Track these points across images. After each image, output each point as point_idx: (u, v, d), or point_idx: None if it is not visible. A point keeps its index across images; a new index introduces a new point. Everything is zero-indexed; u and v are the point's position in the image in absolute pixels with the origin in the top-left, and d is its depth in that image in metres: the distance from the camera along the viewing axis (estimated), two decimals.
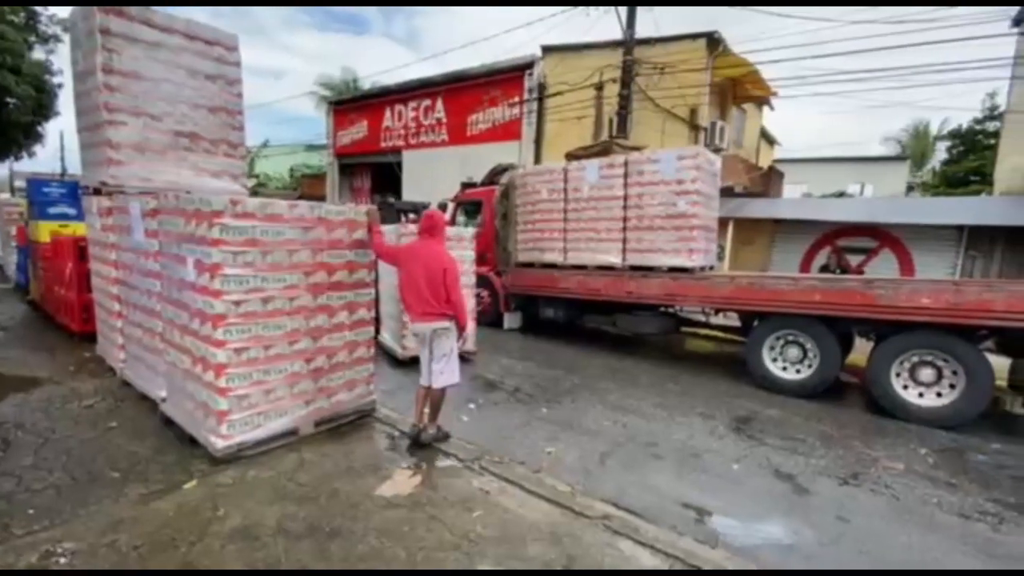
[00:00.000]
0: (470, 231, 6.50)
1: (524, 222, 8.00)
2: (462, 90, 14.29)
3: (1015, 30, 11.13)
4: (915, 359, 4.87)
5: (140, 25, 4.55)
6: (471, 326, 6.08)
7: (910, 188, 22.46)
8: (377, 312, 6.43)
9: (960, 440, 4.45)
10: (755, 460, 3.91)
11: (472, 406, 4.77)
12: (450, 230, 6.02)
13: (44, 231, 7.34)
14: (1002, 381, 5.37)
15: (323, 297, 3.68)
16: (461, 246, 6.21)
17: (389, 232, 5.69)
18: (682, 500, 3.27)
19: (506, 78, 13.33)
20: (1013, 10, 10.88)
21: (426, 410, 3.72)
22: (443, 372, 3.60)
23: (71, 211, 7.68)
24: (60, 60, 18.24)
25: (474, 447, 3.72)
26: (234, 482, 3.04)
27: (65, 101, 18.22)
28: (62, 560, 2.32)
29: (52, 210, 7.68)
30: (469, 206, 9.12)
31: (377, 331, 6.41)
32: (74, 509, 2.72)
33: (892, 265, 9.71)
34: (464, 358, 6.03)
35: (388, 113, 16.44)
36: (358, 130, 17.58)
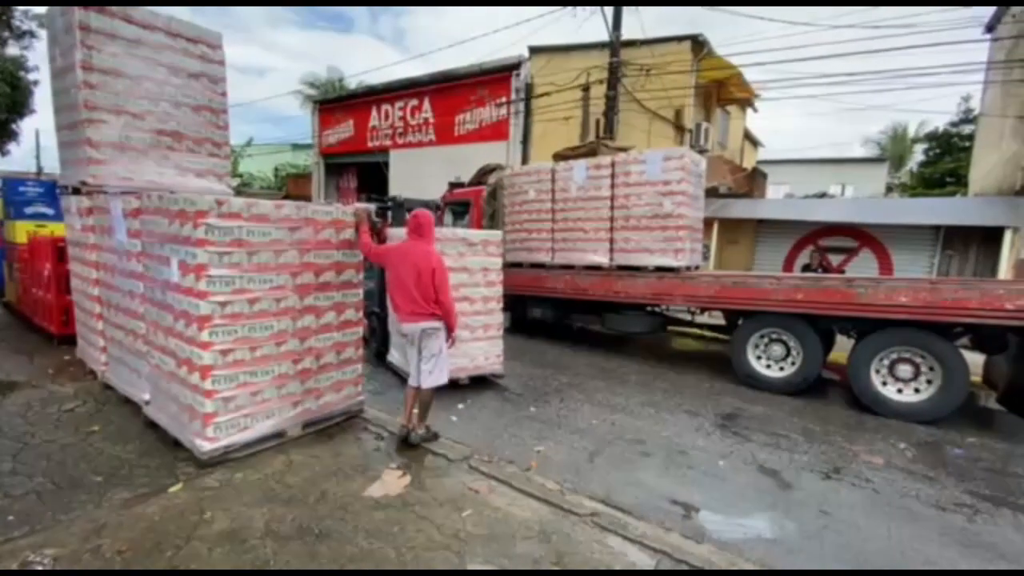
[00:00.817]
0: (497, 234, 5.60)
1: (512, 222, 8.02)
2: (449, 90, 14.25)
3: (987, 36, 11.46)
4: (894, 356, 5.00)
5: (120, 21, 4.46)
6: (499, 345, 5.51)
7: (889, 189, 22.97)
8: (384, 332, 5.85)
9: (937, 434, 4.58)
10: (740, 456, 3.97)
11: (461, 406, 4.77)
12: (475, 233, 5.33)
13: (20, 231, 7.16)
14: (977, 377, 5.53)
15: (310, 298, 3.65)
16: (487, 251, 5.34)
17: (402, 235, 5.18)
18: (669, 496, 3.32)
19: (493, 78, 13.33)
20: (986, 16, 11.20)
21: (415, 410, 3.72)
22: (432, 372, 3.60)
23: (48, 211, 7.48)
24: (35, 56, 17.77)
25: (463, 446, 3.73)
26: (221, 485, 3.00)
27: (41, 98, 17.77)
28: (42, 566, 2.28)
29: (28, 210, 7.47)
30: (457, 206, 9.11)
31: (384, 350, 5.87)
32: (55, 515, 2.67)
33: (872, 264, 9.93)
34: (491, 380, 5.50)
35: (375, 112, 16.33)
36: (344, 129, 17.43)
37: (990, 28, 11.48)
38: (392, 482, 3.15)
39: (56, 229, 6.66)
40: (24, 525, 2.57)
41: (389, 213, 6.74)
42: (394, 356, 5.77)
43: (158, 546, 2.43)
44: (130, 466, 3.22)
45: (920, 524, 3.11)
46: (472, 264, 5.21)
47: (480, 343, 5.32)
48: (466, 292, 5.15)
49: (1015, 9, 10.15)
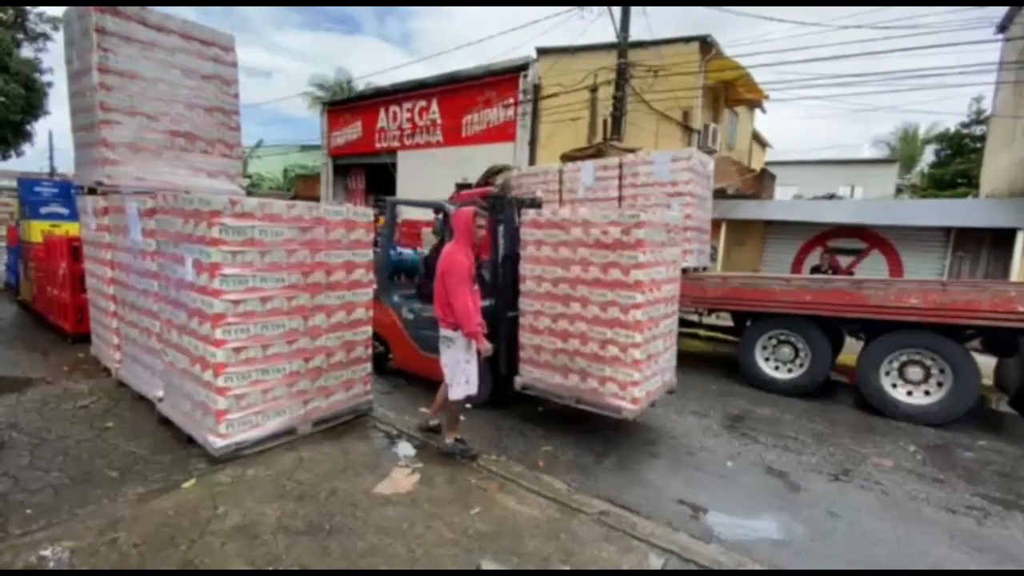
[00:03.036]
0: (679, 216, 4.57)
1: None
2: (457, 91, 14.32)
3: (999, 36, 11.35)
4: (904, 358, 4.97)
5: (136, 24, 4.54)
6: (675, 352, 4.37)
7: (899, 190, 22.79)
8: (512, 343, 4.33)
9: (947, 437, 4.55)
10: (748, 458, 3.97)
11: (469, 405, 4.78)
12: (673, 216, 4.31)
13: (36, 231, 7.28)
14: (988, 380, 5.48)
15: (321, 296, 3.69)
16: (679, 238, 4.31)
17: None
18: (677, 497, 3.32)
19: (501, 80, 13.37)
20: (998, 17, 11.09)
21: (443, 415, 3.69)
22: (449, 384, 3.46)
23: (63, 211, 7.62)
24: (50, 58, 18.04)
25: (471, 446, 3.75)
26: (233, 481, 3.05)
27: (55, 100, 18.05)
28: (59, 558, 2.33)
29: (44, 210, 7.61)
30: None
31: (512, 371, 4.36)
32: (72, 509, 2.72)
33: (881, 266, 9.85)
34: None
35: (383, 114, 16.43)
36: (353, 131, 17.55)
37: (1002, 28, 11.36)
38: (401, 480, 3.18)
39: (71, 229, 6.77)
40: (41, 519, 2.63)
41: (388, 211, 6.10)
42: (533, 375, 4.22)
43: (172, 540, 2.47)
44: (144, 462, 3.27)
45: (930, 527, 3.10)
46: (668, 256, 4.12)
47: (667, 354, 4.29)
48: (669, 290, 4.12)
49: None
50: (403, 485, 3.11)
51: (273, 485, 3.02)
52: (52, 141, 26.16)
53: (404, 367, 5.41)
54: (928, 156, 24.67)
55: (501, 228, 4.52)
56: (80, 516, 2.66)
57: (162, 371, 3.80)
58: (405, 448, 3.66)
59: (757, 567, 2.57)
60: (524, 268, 4.21)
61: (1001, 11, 11.04)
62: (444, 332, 3.44)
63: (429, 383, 4.63)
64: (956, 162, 20.23)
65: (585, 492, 3.21)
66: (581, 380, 3.91)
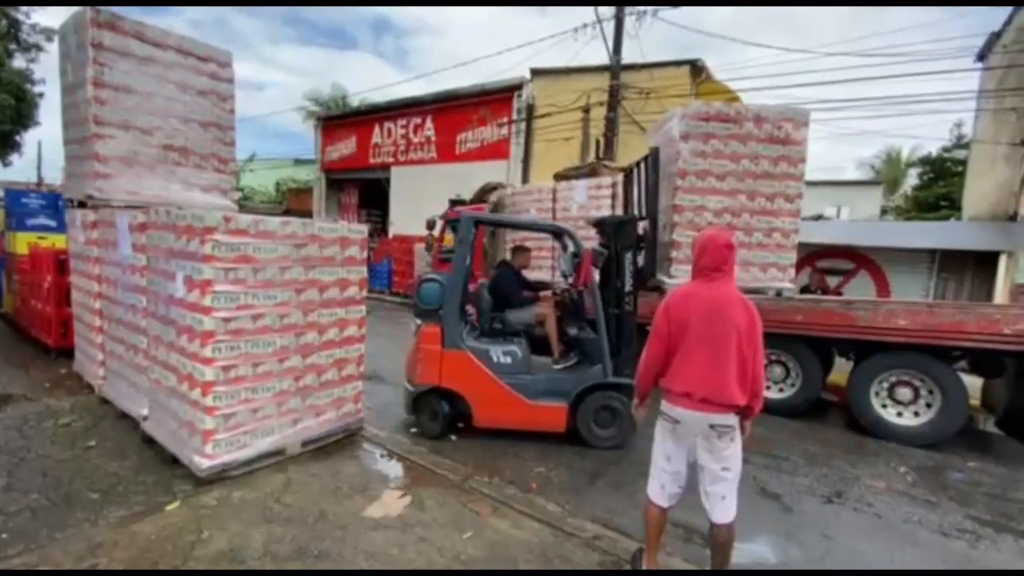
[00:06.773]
0: None
1: (512, 240, 8.07)
2: (452, 109, 14.48)
3: (979, 65, 11.74)
4: (893, 379, 5.00)
5: (133, 40, 4.55)
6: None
7: (884, 211, 23.24)
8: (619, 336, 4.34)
9: (937, 458, 4.57)
10: (741, 479, 3.94)
11: (460, 424, 4.73)
12: None
13: (21, 243, 7.16)
14: (975, 400, 5.54)
15: (314, 314, 3.65)
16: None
17: None
18: (670, 520, 3.28)
19: (495, 99, 13.56)
20: (978, 46, 11.48)
21: (660, 543, 2.60)
22: (725, 497, 2.40)
23: (51, 223, 7.50)
24: (41, 69, 18.01)
25: (463, 467, 3.70)
26: (219, 503, 2.97)
27: (46, 111, 17.96)
28: None
29: (31, 221, 7.48)
30: (457, 224, 9.17)
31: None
32: (51, 532, 2.63)
33: (869, 286, 9.99)
34: None
35: (377, 130, 16.54)
36: (347, 146, 17.63)
37: (981, 57, 11.77)
38: (392, 503, 3.12)
39: (57, 241, 6.67)
40: (18, 543, 2.53)
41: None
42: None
43: (155, 566, 2.40)
44: (127, 483, 3.18)
45: (923, 549, 3.09)
46: None
47: None
48: None
49: (1005, 39, 10.43)
50: (394, 508, 3.05)
51: (260, 508, 2.95)
52: (41, 151, 25.95)
53: (497, 423, 4.32)
54: (912, 179, 25.25)
55: (628, 255, 4.30)
56: (58, 541, 2.57)
57: (148, 389, 3.72)
58: (396, 469, 3.61)
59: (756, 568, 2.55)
60: (685, 163, 4.40)
61: (981, 40, 11.44)
62: (721, 418, 2.29)
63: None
64: (939, 185, 20.72)
65: (578, 515, 3.17)
66: (742, 269, 4.24)
